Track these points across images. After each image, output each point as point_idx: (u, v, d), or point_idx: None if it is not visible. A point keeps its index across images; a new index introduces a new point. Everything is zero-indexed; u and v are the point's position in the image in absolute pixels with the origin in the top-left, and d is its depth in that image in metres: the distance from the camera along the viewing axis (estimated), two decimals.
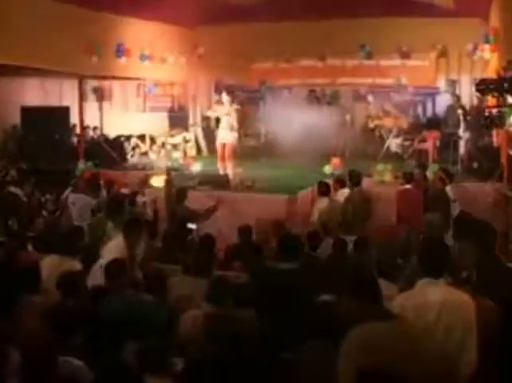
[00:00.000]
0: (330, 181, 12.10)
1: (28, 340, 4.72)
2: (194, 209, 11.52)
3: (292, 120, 18.77)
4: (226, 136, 15.08)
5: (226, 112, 15.06)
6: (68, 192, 12.38)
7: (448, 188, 11.70)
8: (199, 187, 13.71)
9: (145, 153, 19.43)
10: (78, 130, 17.96)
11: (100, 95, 19.59)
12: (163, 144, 20.08)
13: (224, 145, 15.11)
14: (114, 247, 8.05)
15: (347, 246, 8.92)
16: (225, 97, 15.17)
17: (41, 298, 5.95)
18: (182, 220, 11.11)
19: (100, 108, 19.78)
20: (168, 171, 12.88)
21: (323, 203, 11.30)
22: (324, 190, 11.50)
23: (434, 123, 18.71)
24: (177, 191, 12.11)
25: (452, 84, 19.88)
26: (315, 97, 21.28)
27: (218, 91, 21.38)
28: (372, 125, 20.54)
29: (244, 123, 15.35)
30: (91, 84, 19.55)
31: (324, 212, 11.11)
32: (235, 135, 15.17)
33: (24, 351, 4.51)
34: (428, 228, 7.06)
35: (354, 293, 4.34)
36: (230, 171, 15.03)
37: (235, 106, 15.19)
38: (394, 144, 18.94)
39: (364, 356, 3.89)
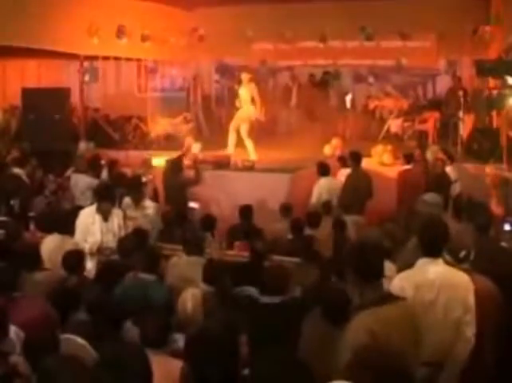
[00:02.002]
0: (330, 162, 12.14)
1: (29, 317, 4.79)
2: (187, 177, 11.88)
3: (292, 101, 18.74)
4: (242, 113, 15.28)
5: (245, 89, 15.29)
6: (69, 172, 12.44)
7: (449, 169, 11.75)
8: (200, 167, 13.73)
9: (146, 133, 19.39)
10: (79, 111, 17.96)
11: (102, 76, 19.54)
12: (164, 125, 20.04)
13: (240, 124, 15.28)
14: (87, 212, 8.16)
15: (346, 226, 8.98)
16: (244, 75, 15.36)
17: (43, 276, 6.03)
18: (180, 186, 11.27)
19: (101, 89, 19.74)
20: (179, 155, 12.94)
21: (323, 183, 11.34)
22: (324, 170, 11.54)
23: (434, 104, 18.68)
24: (173, 161, 12.13)
25: (453, 65, 19.85)
26: (315, 80, 21.19)
27: (219, 72, 21.43)
28: (372, 106, 20.49)
29: None
30: (92, 65, 19.52)
31: (325, 192, 11.16)
32: (251, 110, 15.28)
33: (25, 328, 4.58)
34: (425, 208, 7.08)
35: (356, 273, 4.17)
36: (250, 148, 15.26)
37: (253, 85, 15.33)
38: (394, 124, 18.89)
39: (367, 343, 3.93)
